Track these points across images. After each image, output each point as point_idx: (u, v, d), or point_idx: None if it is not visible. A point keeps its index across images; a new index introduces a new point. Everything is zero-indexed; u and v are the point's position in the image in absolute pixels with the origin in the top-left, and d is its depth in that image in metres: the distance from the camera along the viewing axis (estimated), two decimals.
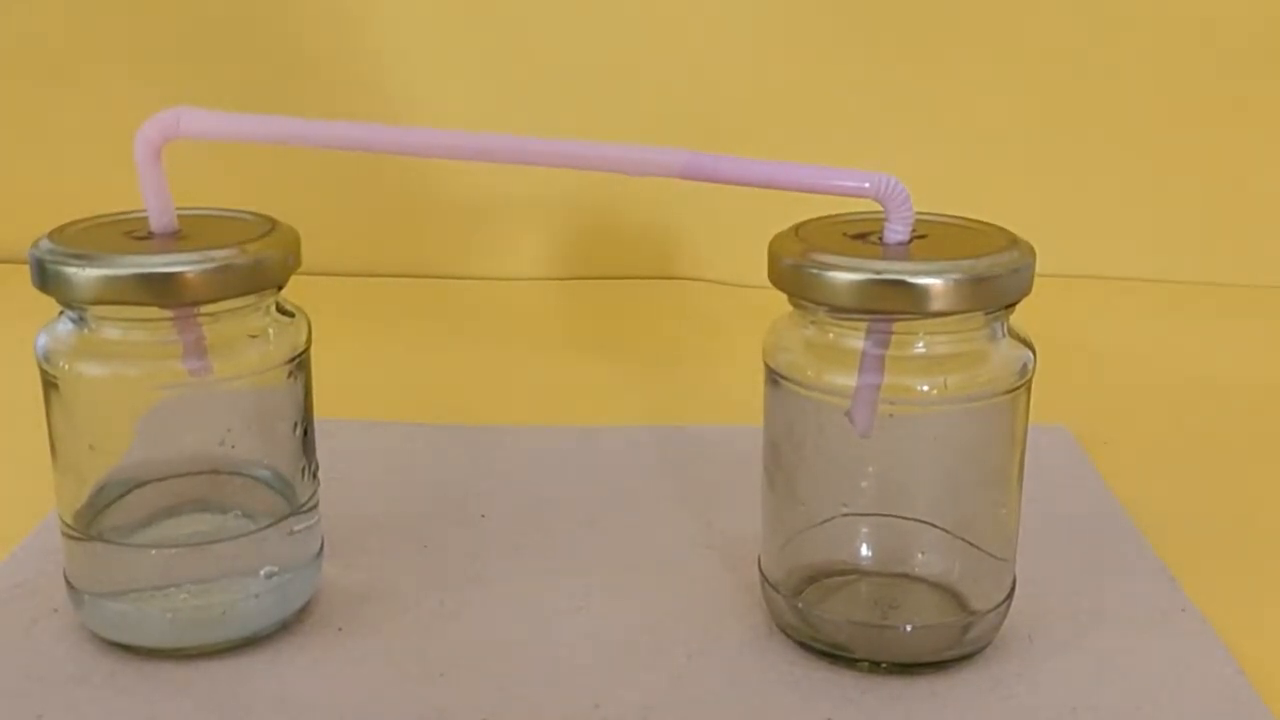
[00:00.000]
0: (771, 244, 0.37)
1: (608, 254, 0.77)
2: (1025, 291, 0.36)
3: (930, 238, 0.37)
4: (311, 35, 0.75)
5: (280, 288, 0.38)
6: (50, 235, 0.37)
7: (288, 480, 0.40)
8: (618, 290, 0.76)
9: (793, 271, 0.36)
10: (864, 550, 0.39)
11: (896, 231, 0.36)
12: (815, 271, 0.35)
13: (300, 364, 0.39)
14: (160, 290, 0.35)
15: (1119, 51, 0.73)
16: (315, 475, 0.41)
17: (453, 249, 0.78)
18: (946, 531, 0.38)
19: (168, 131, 0.36)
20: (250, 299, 0.37)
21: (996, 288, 0.35)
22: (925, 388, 0.36)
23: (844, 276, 0.35)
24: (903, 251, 0.36)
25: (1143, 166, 0.76)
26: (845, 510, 0.39)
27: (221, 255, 0.36)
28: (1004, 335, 0.37)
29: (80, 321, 0.37)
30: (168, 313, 0.36)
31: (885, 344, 0.36)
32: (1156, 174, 0.76)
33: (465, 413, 0.57)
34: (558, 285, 0.77)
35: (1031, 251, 0.36)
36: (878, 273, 0.34)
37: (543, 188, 0.77)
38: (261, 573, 0.39)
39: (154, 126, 0.36)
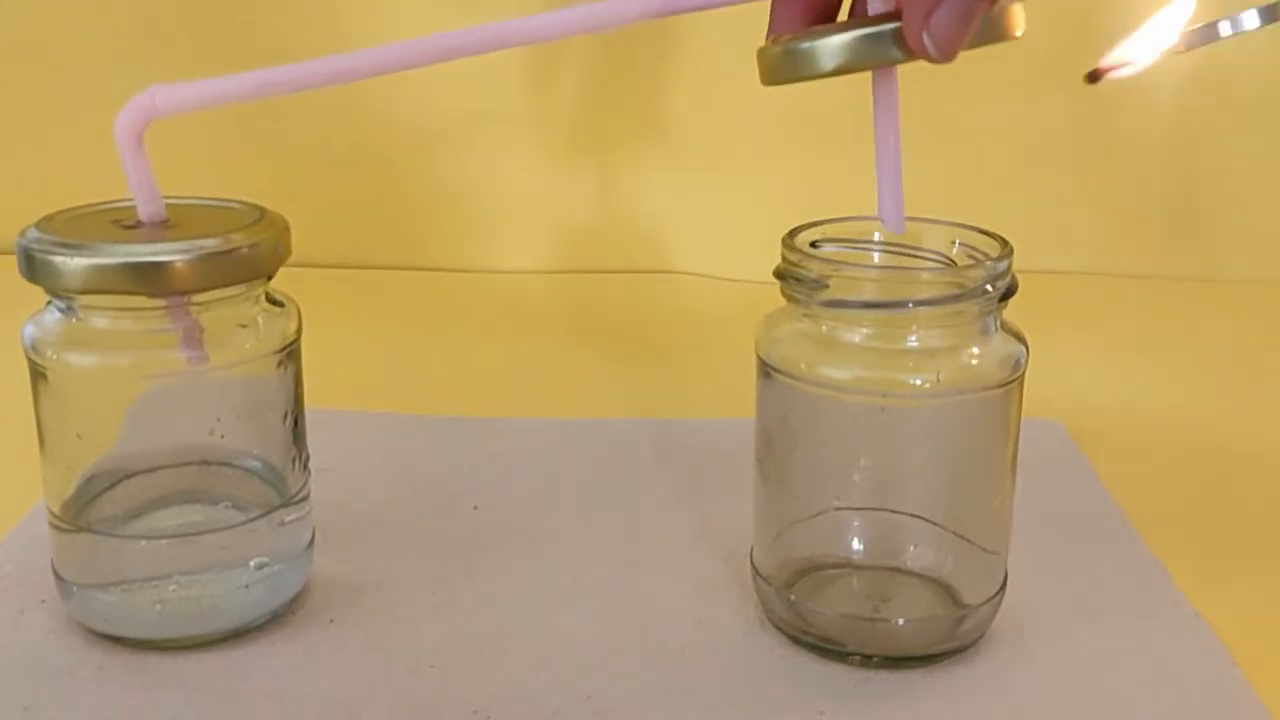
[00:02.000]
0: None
1: (601, 248, 0.77)
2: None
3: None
4: (307, 23, 0.74)
5: (270, 277, 0.38)
6: (38, 224, 0.37)
7: (278, 471, 0.39)
8: (611, 284, 0.76)
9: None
10: (856, 543, 0.39)
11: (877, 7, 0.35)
12: None
13: (290, 354, 0.39)
14: (148, 279, 0.35)
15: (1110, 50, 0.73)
16: (306, 466, 0.40)
17: (445, 241, 0.78)
18: (939, 525, 0.38)
19: (146, 114, 0.35)
20: (240, 288, 0.37)
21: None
22: (918, 381, 0.36)
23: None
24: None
25: (1138, 163, 0.76)
26: (837, 504, 0.39)
27: (210, 244, 0.35)
28: (997, 329, 0.37)
29: (68, 311, 0.37)
30: (156, 302, 0.36)
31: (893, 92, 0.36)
32: (1152, 171, 0.76)
33: (458, 404, 0.56)
34: (551, 278, 0.76)
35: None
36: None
37: (537, 181, 0.77)
38: (251, 564, 0.39)
39: (131, 112, 0.35)
